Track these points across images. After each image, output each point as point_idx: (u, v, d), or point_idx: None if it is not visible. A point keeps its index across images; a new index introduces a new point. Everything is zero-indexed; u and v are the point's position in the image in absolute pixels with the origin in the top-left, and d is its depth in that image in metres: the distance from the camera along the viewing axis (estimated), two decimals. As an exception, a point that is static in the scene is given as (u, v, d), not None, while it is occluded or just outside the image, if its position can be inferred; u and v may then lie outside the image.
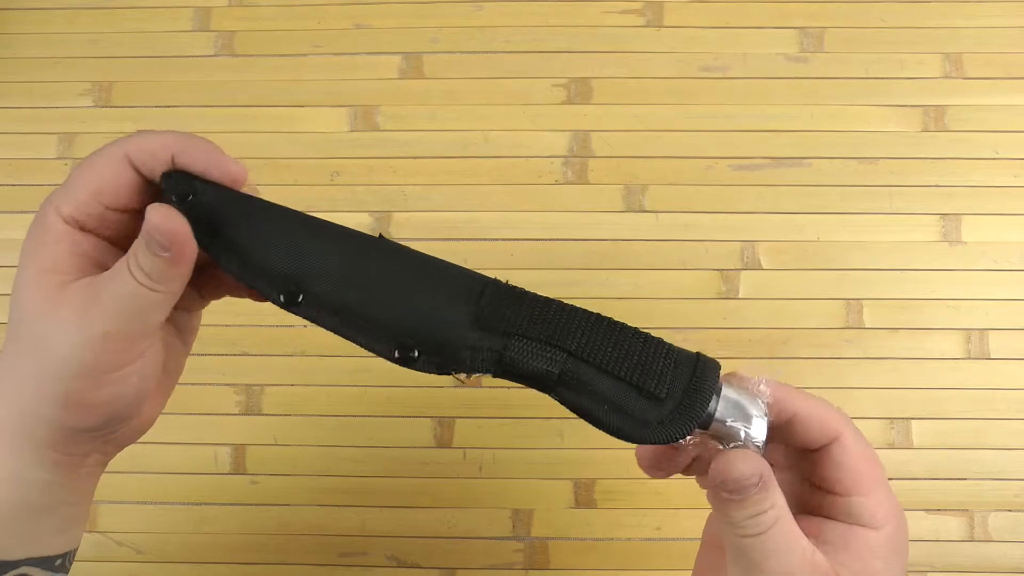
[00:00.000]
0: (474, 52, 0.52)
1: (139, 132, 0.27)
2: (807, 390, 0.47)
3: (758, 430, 0.26)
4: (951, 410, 0.47)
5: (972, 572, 0.45)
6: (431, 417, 0.47)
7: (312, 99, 0.51)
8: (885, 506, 0.27)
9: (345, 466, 0.47)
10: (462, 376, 0.27)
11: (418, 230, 0.49)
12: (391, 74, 0.52)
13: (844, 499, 0.27)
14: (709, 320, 0.48)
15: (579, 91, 0.51)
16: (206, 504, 0.47)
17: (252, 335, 0.48)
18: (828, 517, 0.28)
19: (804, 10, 0.52)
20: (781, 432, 0.28)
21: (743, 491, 0.26)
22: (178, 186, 0.26)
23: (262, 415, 0.48)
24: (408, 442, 0.47)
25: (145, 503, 0.47)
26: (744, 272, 0.49)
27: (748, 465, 0.26)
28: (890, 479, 0.46)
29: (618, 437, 0.26)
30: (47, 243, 0.26)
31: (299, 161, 0.51)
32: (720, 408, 0.26)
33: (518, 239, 0.49)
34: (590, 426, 0.27)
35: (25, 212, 0.50)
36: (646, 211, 0.49)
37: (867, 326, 0.48)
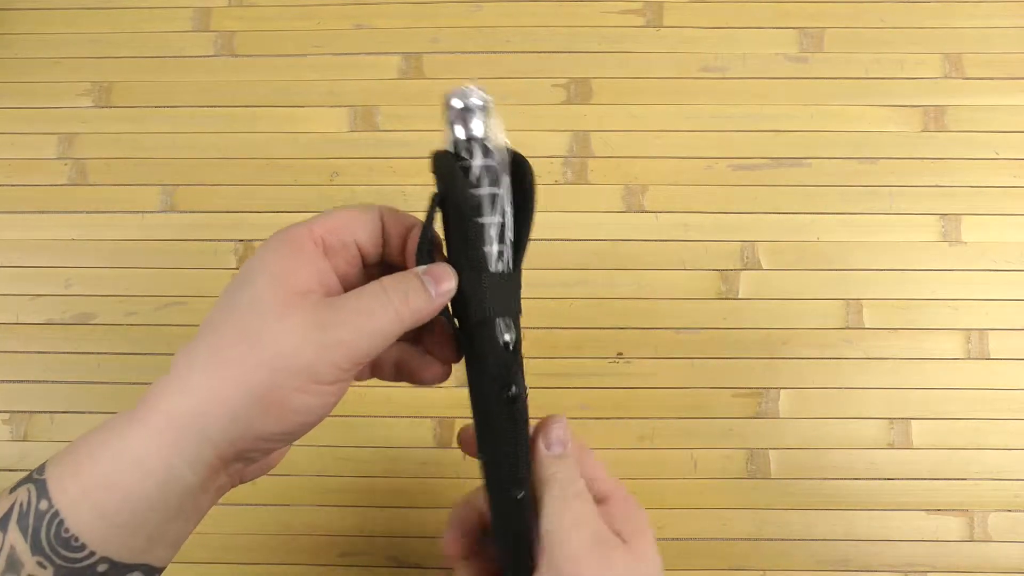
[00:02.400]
0: (474, 52, 0.52)
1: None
2: (807, 390, 0.48)
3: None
4: (951, 410, 0.47)
5: (972, 572, 0.45)
6: (431, 417, 0.47)
7: (312, 99, 0.51)
8: (607, 480, 0.33)
9: (345, 466, 0.47)
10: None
11: (418, 230, 0.49)
12: (391, 74, 0.52)
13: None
14: (709, 320, 0.48)
15: (579, 91, 0.51)
16: (206, 504, 0.47)
17: (252, 335, 0.48)
18: None
19: (804, 10, 0.52)
20: None
21: (558, 445, 0.31)
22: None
23: (262, 415, 0.48)
24: (408, 442, 0.47)
25: (145, 503, 0.47)
26: (744, 272, 0.49)
27: (560, 420, 0.32)
28: (890, 479, 0.46)
29: None
30: (289, 254, 0.27)
31: (299, 161, 0.51)
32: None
33: (518, 239, 0.49)
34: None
35: (25, 212, 0.50)
36: (646, 211, 0.49)
37: (867, 326, 0.48)
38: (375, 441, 0.47)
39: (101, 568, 0.25)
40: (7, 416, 0.48)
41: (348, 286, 0.29)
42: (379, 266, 0.31)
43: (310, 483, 0.47)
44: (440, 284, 0.28)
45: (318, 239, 0.28)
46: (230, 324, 0.26)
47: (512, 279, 0.30)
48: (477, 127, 0.29)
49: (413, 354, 0.32)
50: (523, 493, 0.30)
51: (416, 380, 0.32)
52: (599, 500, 0.31)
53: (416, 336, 0.31)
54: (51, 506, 0.25)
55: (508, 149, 0.30)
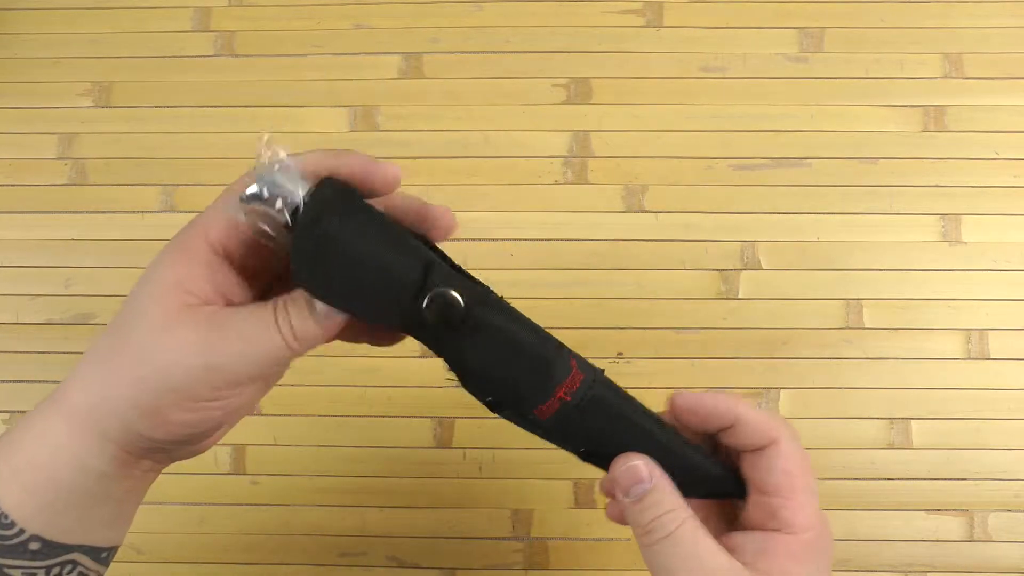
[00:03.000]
0: (474, 52, 0.52)
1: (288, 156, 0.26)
2: (808, 390, 0.48)
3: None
4: (951, 410, 0.47)
5: (972, 572, 0.45)
6: (431, 417, 0.47)
7: (312, 99, 0.51)
8: (807, 511, 0.27)
9: (345, 466, 0.47)
10: None
11: (418, 230, 0.49)
12: (391, 74, 0.52)
13: (766, 501, 0.28)
14: (709, 320, 0.48)
15: (579, 91, 0.51)
16: (206, 504, 0.47)
17: (252, 335, 0.48)
18: (750, 528, 0.28)
19: (804, 10, 0.52)
20: (724, 435, 0.29)
21: (633, 486, 0.27)
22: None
23: (262, 415, 0.48)
24: (408, 442, 0.47)
25: (145, 503, 0.47)
26: (744, 272, 0.49)
27: (630, 461, 0.27)
28: (890, 479, 0.46)
29: None
30: (184, 261, 0.26)
31: (299, 161, 0.51)
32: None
33: (518, 239, 0.49)
34: None
35: (25, 212, 0.50)
36: (646, 211, 0.49)
37: (867, 326, 0.48)
38: (375, 441, 0.47)
39: (33, 546, 0.25)
40: (7, 416, 0.48)
41: (262, 275, 0.27)
42: None
43: (310, 483, 0.47)
44: (332, 315, 0.26)
45: (216, 243, 0.26)
46: (122, 331, 0.26)
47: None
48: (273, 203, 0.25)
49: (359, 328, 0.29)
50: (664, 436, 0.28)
51: (371, 343, 0.30)
52: (791, 530, 0.27)
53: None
54: None
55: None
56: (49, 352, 0.49)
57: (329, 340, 0.27)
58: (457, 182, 0.50)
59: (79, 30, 0.53)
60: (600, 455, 0.29)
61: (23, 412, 0.48)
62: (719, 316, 0.48)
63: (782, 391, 0.47)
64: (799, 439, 0.29)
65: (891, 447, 0.46)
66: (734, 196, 0.49)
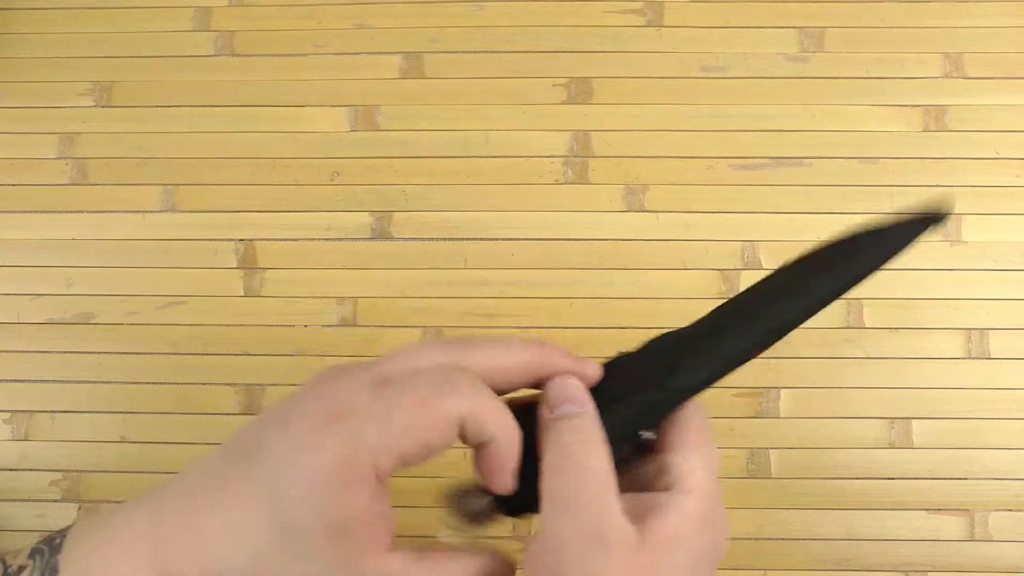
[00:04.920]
0: (474, 52, 0.52)
1: (475, 387, 0.25)
2: (808, 390, 0.48)
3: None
4: (951, 410, 0.47)
5: (972, 572, 0.45)
6: (431, 417, 0.47)
7: (312, 99, 0.51)
8: (699, 475, 0.25)
9: (346, 466, 0.47)
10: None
11: (418, 230, 0.49)
12: (392, 74, 0.52)
13: (661, 456, 0.26)
14: (709, 320, 0.48)
15: (579, 91, 0.51)
16: (207, 504, 0.47)
17: (252, 335, 0.48)
18: (640, 490, 0.26)
19: (804, 10, 0.52)
20: None
21: (564, 403, 0.25)
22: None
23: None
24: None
25: (146, 503, 0.47)
26: (745, 272, 0.49)
27: (568, 379, 0.26)
28: (890, 479, 0.46)
29: None
30: (348, 486, 0.22)
31: (299, 161, 0.51)
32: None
33: (518, 239, 0.49)
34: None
35: (26, 212, 0.50)
36: (646, 211, 0.49)
37: (867, 326, 0.48)
38: (376, 441, 0.47)
39: None
40: (8, 416, 0.48)
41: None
42: None
43: (311, 483, 0.47)
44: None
45: (384, 473, 0.23)
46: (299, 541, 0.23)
47: None
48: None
49: None
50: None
51: None
52: (678, 489, 0.25)
53: None
54: None
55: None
56: (50, 352, 0.49)
57: None
58: (457, 182, 0.50)
59: (80, 30, 0.53)
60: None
61: (24, 412, 0.48)
62: (719, 316, 0.48)
63: (782, 391, 0.47)
64: (707, 413, 0.28)
65: (891, 447, 0.47)
66: (735, 196, 0.49)
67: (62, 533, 0.26)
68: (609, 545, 0.23)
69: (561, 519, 0.24)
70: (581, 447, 0.25)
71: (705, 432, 0.27)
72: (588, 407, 0.26)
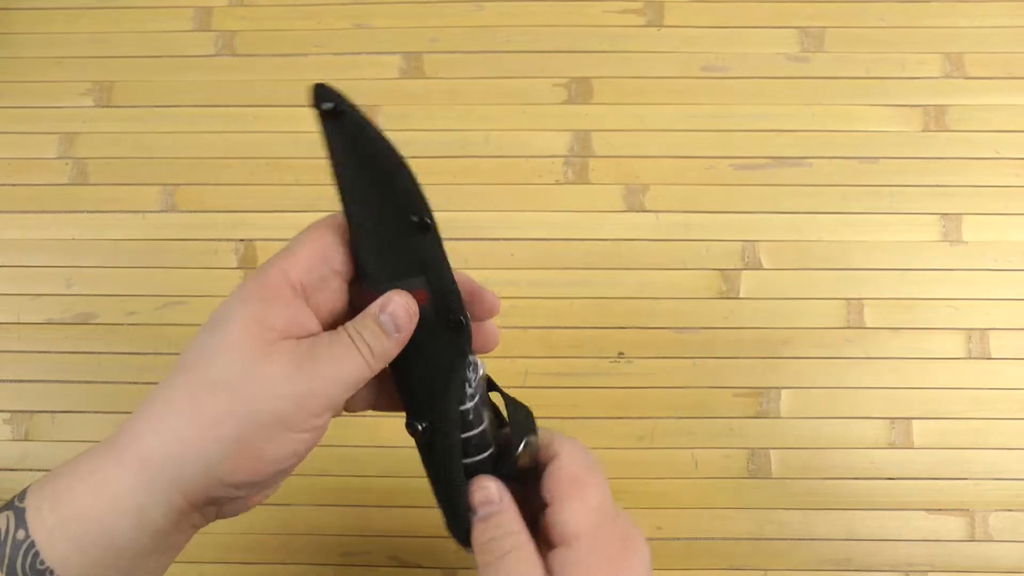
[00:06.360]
0: (474, 52, 0.52)
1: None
2: (808, 390, 0.48)
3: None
4: (951, 410, 0.47)
5: (972, 572, 0.45)
6: (432, 417, 0.47)
7: (313, 99, 0.51)
8: (574, 520, 0.28)
9: (346, 466, 0.47)
10: None
11: (419, 230, 0.49)
12: (392, 74, 0.52)
13: (545, 514, 0.28)
14: (709, 320, 0.48)
15: (580, 91, 0.51)
16: (207, 504, 0.47)
17: (253, 335, 0.48)
18: (550, 543, 0.28)
19: (804, 10, 0.52)
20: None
21: (485, 505, 0.29)
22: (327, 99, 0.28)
23: (263, 415, 0.48)
24: (409, 442, 0.47)
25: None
26: (745, 272, 0.49)
27: (485, 481, 0.29)
28: (891, 479, 0.46)
29: None
30: (267, 299, 0.27)
31: (300, 161, 0.51)
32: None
33: (518, 239, 0.49)
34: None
35: (26, 212, 0.50)
36: (647, 211, 0.49)
37: (868, 326, 0.48)
38: (375, 441, 0.47)
39: None
40: (8, 416, 0.48)
41: (336, 315, 0.29)
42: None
43: (310, 483, 0.47)
44: (400, 326, 0.28)
45: (296, 283, 0.27)
46: (207, 369, 0.26)
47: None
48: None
49: (381, 390, 0.32)
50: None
51: (389, 410, 0.32)
52: (564, 542, 0.28)
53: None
54: (28, 536, 0.25)
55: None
56: (50, 352, 0.49)
57: (399, 349, 0.29)
58: (457, 182, 0.50)
59: (80, 30, 0.53)
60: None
61: (24, 412, 0.48)
62: (720, 316, 0.48)
63: (782, 391, 0.47)
64: (583, 450, 0.30)
65: (891, 447, 0.46)
66: (735, 196, 0.49)
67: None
68: None
69: None
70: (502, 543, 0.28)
71: (576, 480, 0.29)
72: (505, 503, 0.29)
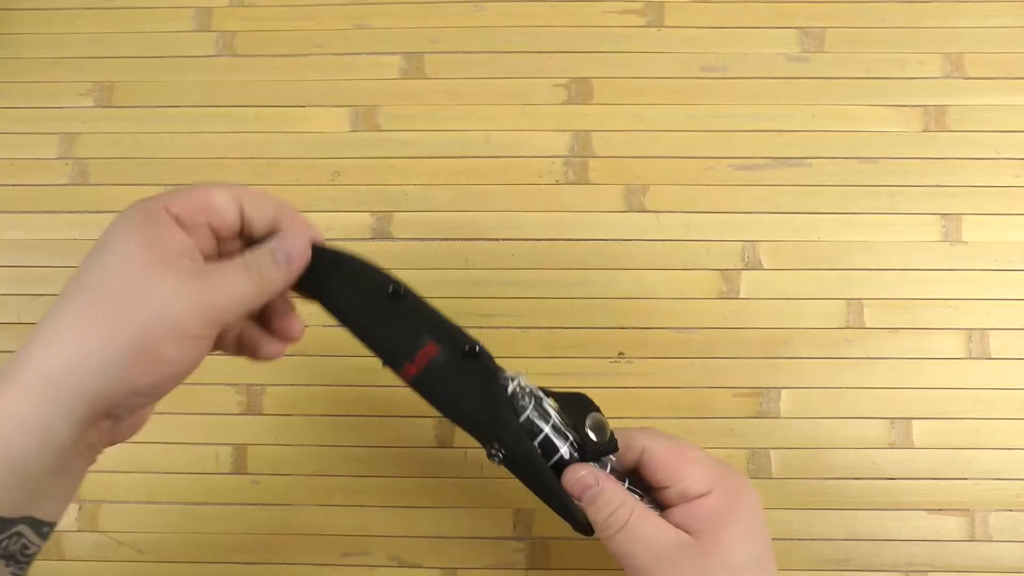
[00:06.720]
0: (475, 52, 0.52)
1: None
2: (808, 390, 0.48)
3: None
4: (951, 410, 0.47)
5: (972, 572, 0.45)
6: (432, 417, 0.47)
7: (313, 99, 0.51)
8: (702, 477, 0.33)
9: (346, 466, 0.47)
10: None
11: (418, 230, 0.50)
12: (392, 74, 0.52)
13: (671, 489, 0.33)
14: (709, 320, 0.48)
15: (580, 91, 0.51)
16: (207, 504, 0.47)
17: (253, 335, 0.48)
18: (673, 505, 0.33)
19: (804, 10, 0.52)
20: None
21: (585, 491, 0.31)
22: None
23: (263, 415, 0.48)
24: (409, 442, 0.47)
25: (146, 503, 0.47)
26: (745, 272, 0.49)
27: (577, 470, 0.32)
28: (891, 479, 0.46)
29: None
30: (158, 224, 0.29)
31: (300, 161, 0.51)
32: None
33: (518, 239, 0.49)
34: None
35: (26, 212, 0.50)
36: (647, 211, 0.50)
37: (868, 326, 0.48)
38: (375, 441, 0.47)
39: None
40: (8, 416, 0.48)
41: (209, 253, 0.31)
42: (237, 241, 0.32)
43: (311, 483, 0.47)
44: (292, 260, 0.30)
45: (175, 215, 0.29)
46: (104, 282, 0.28)
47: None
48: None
49: (255, 330, 0.34)
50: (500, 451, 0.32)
51: (256, 355, 0.34)
52: (691, 498, 0.32)
53: (259, 314, 0.34)
54: None
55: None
56: (50, 352, 0.49)
57: (288, 285, 0.31)
58: (457, 182, 0.50)
59: (80, 30, 0.53)
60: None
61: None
62: (720, 316, 0.48)
63: (783, 391, 0.47)
64: (661, 434, 0.34)
65: (891, 447, 0.47)
66: (735, 196, 0.49)
67: None
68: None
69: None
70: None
71: (677, 450, 0.34)
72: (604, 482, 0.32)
